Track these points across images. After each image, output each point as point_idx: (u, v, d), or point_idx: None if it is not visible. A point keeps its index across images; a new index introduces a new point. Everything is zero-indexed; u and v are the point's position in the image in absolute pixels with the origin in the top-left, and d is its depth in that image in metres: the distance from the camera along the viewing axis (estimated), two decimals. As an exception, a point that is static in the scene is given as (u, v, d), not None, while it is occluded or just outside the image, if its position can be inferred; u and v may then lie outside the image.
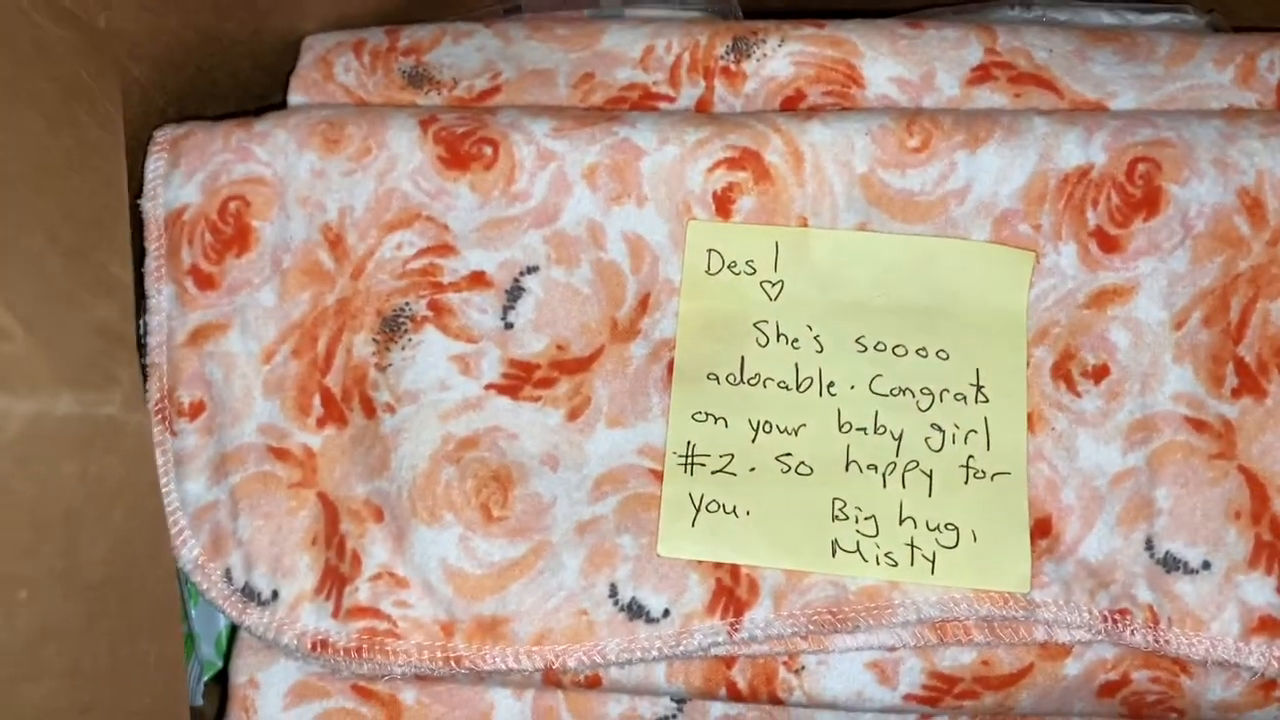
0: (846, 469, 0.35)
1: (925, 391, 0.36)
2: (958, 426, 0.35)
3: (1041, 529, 0.35)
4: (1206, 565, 0.34)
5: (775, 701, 0.35)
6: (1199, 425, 0.35)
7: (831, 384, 0.36)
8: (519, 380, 0.36)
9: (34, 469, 0.20)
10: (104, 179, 0.29)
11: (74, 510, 0.22)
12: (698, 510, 0.35)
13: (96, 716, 0.24)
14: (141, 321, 0.37)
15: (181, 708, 0.33)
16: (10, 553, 0.19)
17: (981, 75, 0.39)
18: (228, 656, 0.39)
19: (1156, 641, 0.33)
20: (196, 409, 0.37)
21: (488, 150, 0.37)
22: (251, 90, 0.44)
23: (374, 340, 0.37)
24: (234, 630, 0.39)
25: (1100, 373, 0.35)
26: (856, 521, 0.35)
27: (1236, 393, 0.35)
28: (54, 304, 0.21)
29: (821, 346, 0.36)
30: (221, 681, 0.39)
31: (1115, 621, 0.34)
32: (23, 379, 0.18)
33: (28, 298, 0.20)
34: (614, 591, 0.34)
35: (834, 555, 0.34)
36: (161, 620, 0.30)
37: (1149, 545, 0.34)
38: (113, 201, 0.30)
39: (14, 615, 0.20)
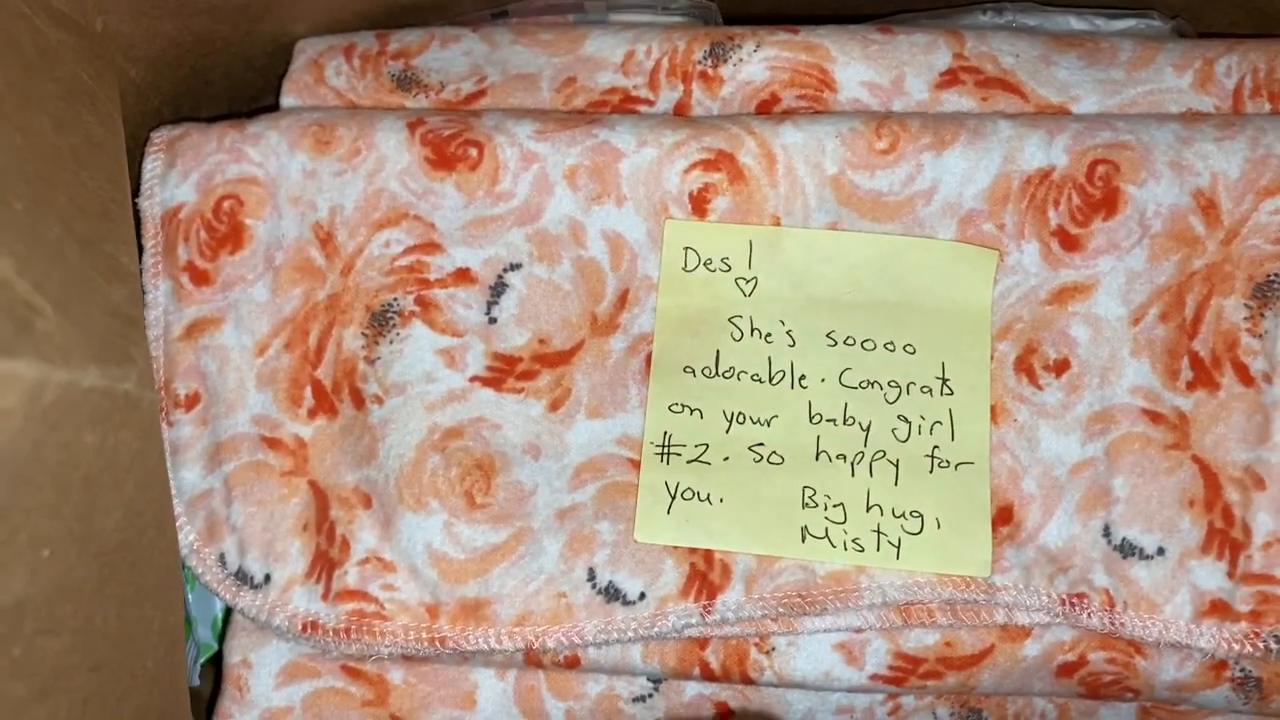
0: (816, 458, 0.37)
1: (893, 384, 0.37)
2: (924, 418, 0.37)
3: (1003, 516, 0.36)
4: (1161, 551, 0.35)
5: (747, 681, 0.37)
6: (1155, 417, 0.36)
7: (803, 377, 0.37)
8: (502, 373, 0.38)
9: (61, 436, 0.21)
10: (108, 175, 0.31)
11: (92, 478, 0.23)
12: (673, 498, 0.36)
13: (105, 675, 0.25)
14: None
15: (180, 676, 0.34)
16: (37, 513, 0.20)
17: (950, 79, 0.40)
18: (222, 638, 0.40)
19: (1112, 624, 0.35)
20: (192, 400, 0.38)
21: (473, 152, 0.39)
22: (244, 91, 0.45)
23: (363, 334, 0.38)
24: (229, 613, 0.40)
25: (1061, 366, 0.37)
26: (825, 509, 0.36)
27: (1191, 386, 0.36)
28: (74, 288, 0.23)
29: (793, 341, 0.38)
30: (217, 663, 0.40)
31: (1073, 605, 0.35)
32: (57, 351, 0.20)
33: (54, 281, 0.21)
34: (592, 575, 0.36)
35: (803, 541, 0.36)
36: (166, 590, 0.31)
37: (1106, 532, 0.35)
38: (117, 196, 0.32)
39: (38, 572, 0.21)
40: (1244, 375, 0.36)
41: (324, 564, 0.37)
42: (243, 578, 0.37)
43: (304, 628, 0.36)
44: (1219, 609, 0.35)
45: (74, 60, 0.30)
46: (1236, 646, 0.34)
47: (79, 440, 0.22)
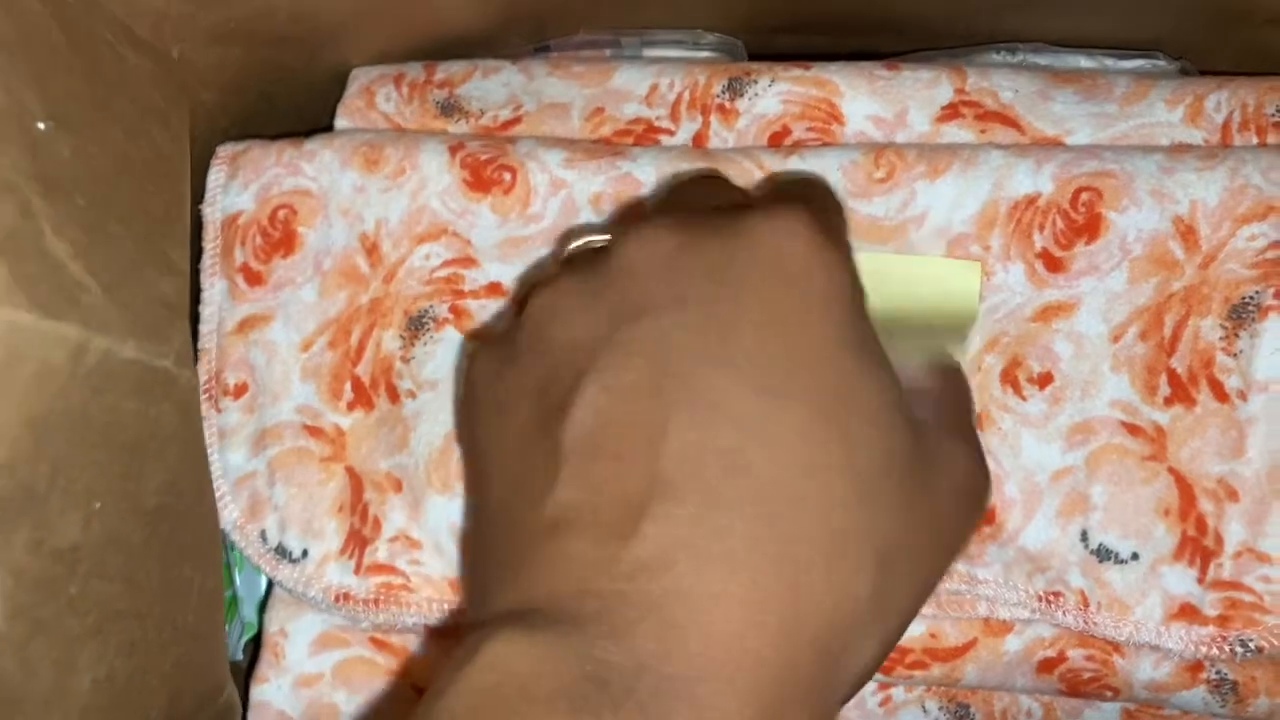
0: (812, 459, 0.39)
1: None
2: (913, 424, 0.39)
3: (987, 518, 0.38)
4: (1135, 556, 0.37)
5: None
6: (1133, 429, 0.38)
7: None
8: (525, 374, 0.41)
9: (106, 400, 0.24)
10: (170, 185, 0.35)
11: (138, 444, 0.26)
12: None
13: (148, 624, 0.28)
14: (196, 312, 0.42)
15: (219, 636, 0.37)
16: (90, 468, 0.23)
17: (950, 113, 0.42)
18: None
19: (1086, 623, 0.36)
20: (240, 389, 0.42)
21: (507, 176, 0.42)
22: (306, 115, 0.48)
23: (400, 337, 0.41)
24: (269, 591, 0.43)
25: (1044, 379, 0.39)
26: (819, 506, 0.38)
27: (1168, 401, 0.38)
28: (126, 275, 0.26)
29: (794, 351, 0.40)
30: (260, 641, 0.44)
31: (1049, 602, 0.37)
32: (98, 321, 0.23)
33: (107, 268, 0.25)
34: (600, 559, 0.38)
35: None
36: (204, 555, 0.34)
37: (1084, 537, 0.37)
38: (177, 203, 0.36)
39: (90, 521, 0.24)
40: (1219, 392, 0.37)
41: (357, 542, 0.40)
42: (282, 552, 0.40)
43: (337, 598, 0.39)
44: (1188, 612, 0.36)
45: (149, 83, 0.34)
46: (1204, 649, 0.36)
47: (122, 406, 0.25)
